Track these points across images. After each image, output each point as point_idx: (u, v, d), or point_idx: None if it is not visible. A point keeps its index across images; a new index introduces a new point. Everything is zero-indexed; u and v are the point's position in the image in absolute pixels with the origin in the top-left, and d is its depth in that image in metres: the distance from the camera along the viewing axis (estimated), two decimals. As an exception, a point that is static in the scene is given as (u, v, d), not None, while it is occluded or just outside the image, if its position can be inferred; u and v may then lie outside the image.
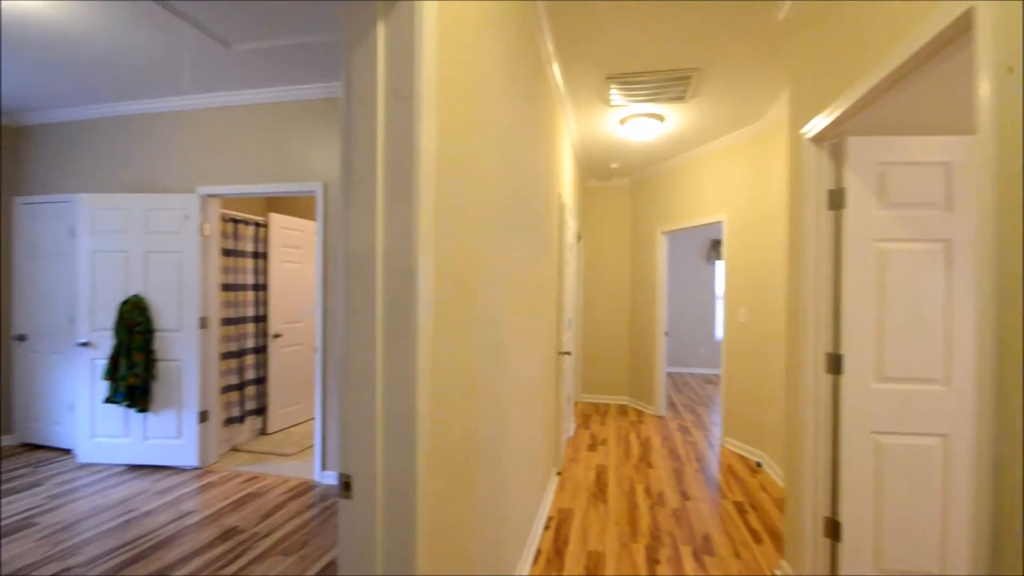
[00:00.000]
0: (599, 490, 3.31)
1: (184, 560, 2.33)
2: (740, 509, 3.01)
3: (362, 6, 0.98)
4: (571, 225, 4.17)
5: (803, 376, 2.03)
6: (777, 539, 2.62)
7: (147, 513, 2.82)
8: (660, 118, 3.86)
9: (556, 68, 3.03)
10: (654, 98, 3.45)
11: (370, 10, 0.98)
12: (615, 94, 3.40)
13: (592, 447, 4.28)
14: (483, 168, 1.48)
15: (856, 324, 1.89)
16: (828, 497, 1.97)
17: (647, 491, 3.29)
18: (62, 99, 3.65)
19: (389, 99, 0.98)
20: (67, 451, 3.88)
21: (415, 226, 0.97)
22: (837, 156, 1.95)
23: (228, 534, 2.60)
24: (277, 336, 4.45)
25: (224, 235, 3.95)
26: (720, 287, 8.17)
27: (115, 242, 3.58)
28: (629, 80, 3.18)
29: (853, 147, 1.89)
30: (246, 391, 4.20)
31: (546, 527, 2.77)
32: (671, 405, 5.87)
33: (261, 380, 4.38)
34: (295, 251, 4.68)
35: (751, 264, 4.07)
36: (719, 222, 4.53)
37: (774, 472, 3.57)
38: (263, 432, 4.39)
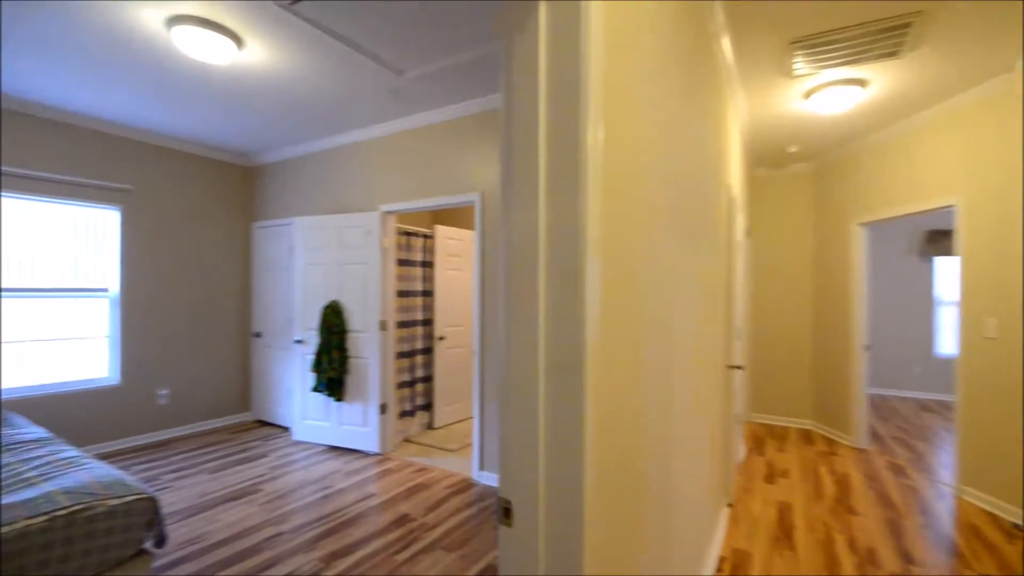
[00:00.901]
0: (783, 533, 2.82)
1: (365, 540, 2.60)
2: (997, 588, 2.26)
3: (521, 5, 0.92)
4: (740, 221, 3.68)
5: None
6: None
7: (340, 491, 3.25)
8: (862, 83, 3.17)
9: (725, 42, 2.68)
10: (855, 59, 2.84)
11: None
12: (799, 62, 2.89)
13: (770, 478, 3.69)
14: (646, 160, 1.32)
15: None
16: None
17: (850, 544, 2.69)
18: (282, 141, 4.49)
19: (551, 89, 0.90)
20: (286, 429, 4.72)
21: (581, 221, 0.87)
22: None
23: (401, 520, 2.83)
24: (441, 338, 4.81)
25: (399, 247, 4.41)
26: (947, 290, 6.48)
27: (319, 256, 4.25)
28: (821, 41, 2.66)
29: None
30: (416, 388, 4.61)
31: (718, 568, 2.43)
32: (875, 436, 4.80)
33: (428, 379, 4.78)
34: (456, 259, 5.02)
35: (1003, 261, 3.08)
36: (948, 207, 3.55)
37: (1052, 543, 2.61)
38: (430, 426, 4.77)
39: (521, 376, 0.92)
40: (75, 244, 3.89)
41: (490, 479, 3.42)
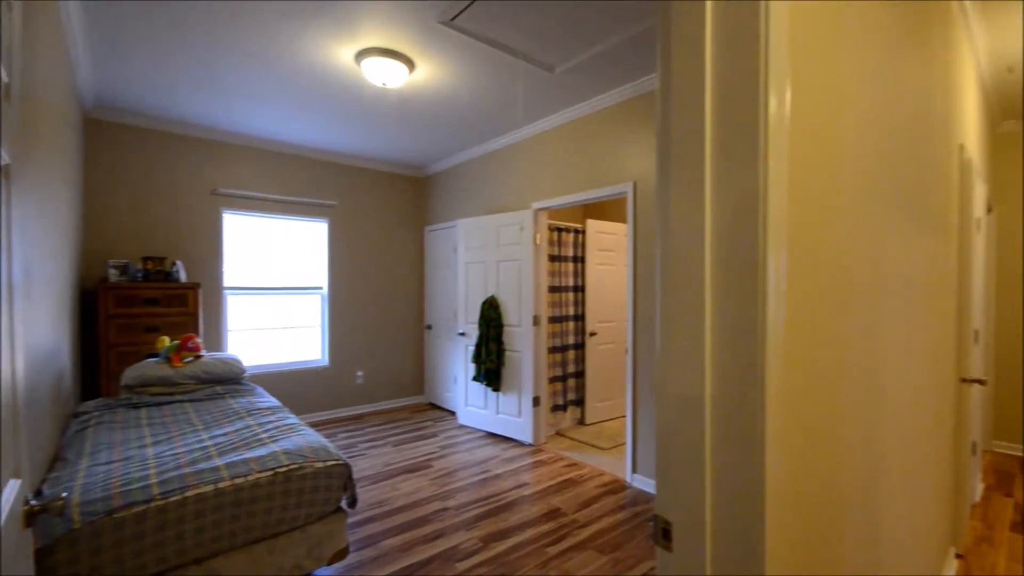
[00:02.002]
0: (1050, 606, 2.11)
1: (519, 528, 2.71)
2: None
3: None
4: (979, 192, 2.85)
5: None
6: None
7: (496, 476, 3.44)
8: None
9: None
10: None
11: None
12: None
13: (1021, 527, 2.82)
14: (845, 125, 1.08)
15: None
16: None
17: None
18: (446, 151, 4.91)
19: (719, 44, 0.79)
20: (452, 413, 5.19)
21: (761, 205, 0.74)
22: None
23: (552, 514, 2.88)
24: (592, 334, 4.75)
25: (551, 243, 4.49)
26: None
27: (478, 254, 4.56)
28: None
29: None
30: (568, 383, 4.65)
31: (941, 633, 1.93)
32: None
33: (580, 374, 4.78)
34: (608, 253, 4.90)
35: None
36: None
37: None
38: (581, 422, 4.77)
39: (680, 384, 0.83)
40: (299, 251, 4.83)
41: (644, 483, 3.27)
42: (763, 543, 0.74)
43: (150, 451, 2.13)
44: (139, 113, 3.84)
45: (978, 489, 3.26)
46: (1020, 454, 4.00)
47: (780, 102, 0.76)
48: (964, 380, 2.47)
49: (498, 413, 4.39)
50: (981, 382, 2.49)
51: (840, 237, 1.07)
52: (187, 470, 1.89)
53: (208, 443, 2.19)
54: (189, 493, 1.75)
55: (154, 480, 1.81)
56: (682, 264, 0.82)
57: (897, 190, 1.48)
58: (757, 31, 0.73)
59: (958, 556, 2.53)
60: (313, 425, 4.70)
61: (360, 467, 3.59)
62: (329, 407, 4.97)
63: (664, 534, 0.84)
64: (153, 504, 1.69)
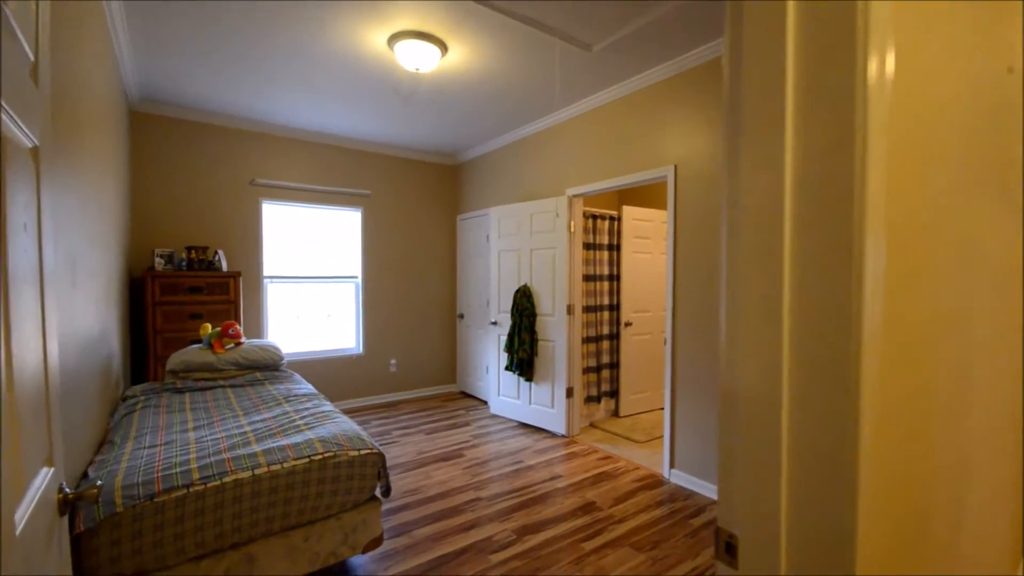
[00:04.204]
0: None
1: (553, 521, 2.65)
2: None
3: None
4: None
5: None
6: None
7: (530, 467, 3.40)
8: None
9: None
10: None
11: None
12: None
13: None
14: (948, 89, 0.94)
15: None
16: None
17: None
18: (480, 137, 4.83)
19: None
20: (484, 402, 5.18)
21: (856, 176, 0.63)
22: None
23: (587, 507, 2.81)
24: (628, 324, 4.62)
25: (585, 231, 4.36)
26: None
27: (512, 242, 4.49)
28: None
29: None
30: (602, 374, 4.54)
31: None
32: None
33: (614, 365, 4.66)
34: (645, 241, 4.74)
35: None
36: None
37: None
38: (615, 414, 4.66)
39: (750, 380, 0.74)
40: (335, 240, 4.88)
41: (682, 479, 3.15)
42: (853, 565, 0.64)
43: (192, 435, 2.18)
44: (181, 106, 3.93)
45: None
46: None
47: (882, 70, 0.64)
48: (1048, 379, 2.23)
49: (531, 403, 4.33)
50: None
51: (937, 219, 0.94)
52: (226, 455, 1.91)
53: (247, 428, 2.22)
54: (227, 479, 1.77)
55: (194, 465, 1.84)
56: (756, 244, 0.71)
57: (987, 166, 1.31)
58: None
59: (1035, 570, 2.31)
60: (347, 412, 4.78)
61: (393, 455, 3.61)
62: (363, 394, 5.04)
63: (728, 548, 0.75)
64: (193, 489, 1.71)
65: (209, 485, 1.74)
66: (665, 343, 3.28)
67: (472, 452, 3.68)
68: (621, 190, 5.31)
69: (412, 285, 5.37)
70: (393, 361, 5.22)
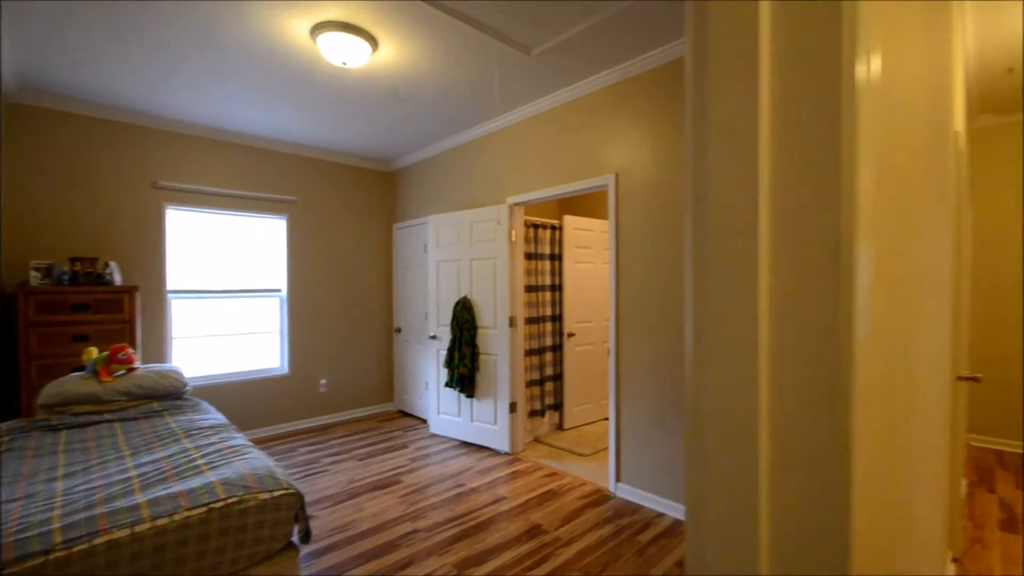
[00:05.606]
0: (1057, 614, 2.02)
1: (497, 549, 2.47)
2: None
3: None
4: (966, 183, 2.78)
5: None
6: None
7: (472, 490, 3.20)
8: None
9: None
10: None
11: None
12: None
13: (1009, 525, 2.76)
14: (915, 98, 0.89)
15: None
16: None
17: None
18: (416, 143, 4.62)
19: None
20: (424, 421, 4.91)
21: (843, 182, 0.54)
22: None
23: (532, 531, 2.65)
24: (571, 335, 4.56)
25: (527, 240, 4.26)
26: None
27: (451, 252, 4.30)
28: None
29: None
30: (545, 387, 4.44)
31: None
32: None
33: (558, 377, 4.57)
34: (587, 251, 4.72)
35: None
36: None
37: None
38: (560, 427, 4.56)
39: (725, 402, 0.61)
40: (257, 250, 4.45)
41: (628, 492, 3.08)
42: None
43: (60, 485, 1.80)
44: (69, 97, 3.42)
45: (962, 486, 3.21)
46: (999, 448, 4.02)
47: (869, 71, 0.56)
48: (960, 378, 2.37)
49: (472, 421, 4.13)
50: (976, 379, 2.40)
51: (912, 228, 0.89)
52: (100, 510, 1.58)
53: (132, 473, 1.87)
54: (99, 541, 1.44)
55: (57, 525, 1.50)
56: (727, 249, 0.60)
57: (933, 176, 1.31)
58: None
59: (955, 560, 2.43)
60: (272, 439, 4.33)
61: (321, 486, 3.28)
62: (289, 419, 4.61)
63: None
64: (53, 556, 1.38)
65: (75, 549, 1.41)
66: (609, 353, 3.22)
67: (410, 477, 3.42)
68: (563, 199, 5.30)
69: (344, 298, 5.02)
70: (323, 381, 4.83)
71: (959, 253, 2.34)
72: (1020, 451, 3.92)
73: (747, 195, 0.58)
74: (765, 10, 0.58)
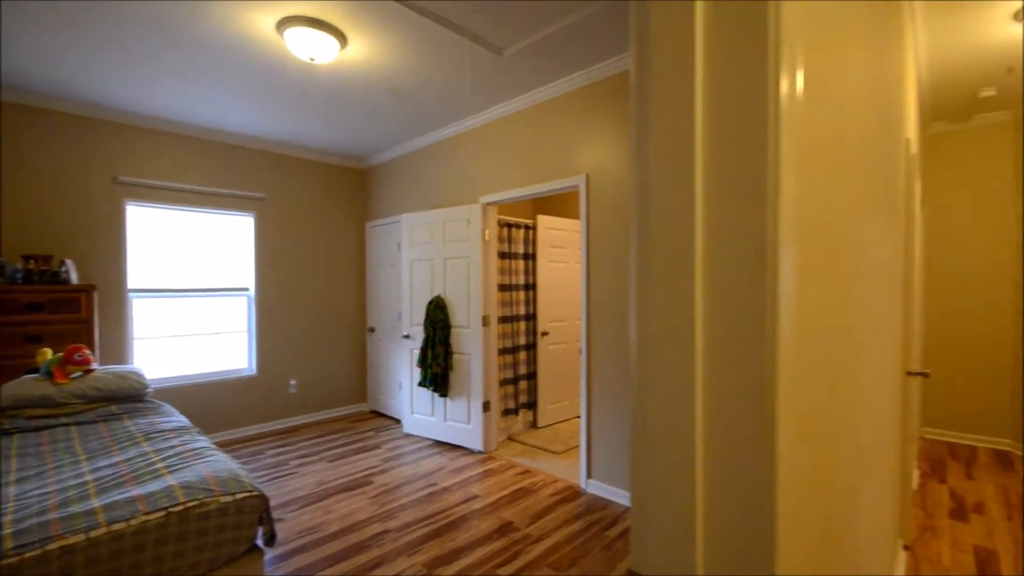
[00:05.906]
0: (994, 594, 2.14)
1: (468, 547, 2.48)
2: None
3: None
4: (917, 188, 2.92)
5: None
6: None
7: (444, 489, 3.20)
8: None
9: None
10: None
11: None
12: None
13: (959, 514, 2.91)
14: (847, 111, 0.94)
15: None
16: None
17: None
18: (389, 141, 4.58)
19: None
20: (397, 421, 4.87)
21: (768, 191, 0.57)
22: None
23: (504, 529, 2.67)
24: (544, 334, 4.60)
25: (500, 239, 4.28)
26: None
27: (425, 251, 4.28)
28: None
29: None
30: (519, 385, 4.46)
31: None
32: (1121, 468, 3.60)
33: (532, 376, 4.60)
34: (560, 250, 4.76)
35: None
36: None
37: None
38: (533, 425, 4.60)
39: (665, 403, 0.64)
40: (224, 248, 4.34)
41: (599, 489, 3.13)
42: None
43: (12, 490, 1.74)
44: (21, 88, 3.27)
45: (915, 477, 3.37)
46: (950, 440, 4.23)
47: (792, 90, 0.59)
48: (909, 373, 2.49)
49: (446, 420, 4.13)
50: (925, 375, 2.52)
51: (843, 231, 0.93)
52: (54, 515, 1.53)
53: (88, 478, 1.81)
54: (52, 546, 1.40)
55: (8, 531, 1.44)
56: (665, 260, 0.63)
57: (874, 182, 1.38)
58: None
59: (906, 548, 2.55)
60: (239, 442, 4.24)
61: (289, 488, 3.23)
62: (258, 420, 4.52)
63: (645, 603, 0.65)
64: (3, 562, 1.34)
65: (27, 555, 1.37)
66: (581, 352, 3.26)
67: (381, 478, 3.39)
68: (536, 199, 5.33)
69: (315, 297, 4.94)
70: (293, 382, 4.74)
71: (910, 253, 2.46)
72: (970, 443, 4.14)
73: (685, 205, 0.61)
74: (700, 41, 0.61)
